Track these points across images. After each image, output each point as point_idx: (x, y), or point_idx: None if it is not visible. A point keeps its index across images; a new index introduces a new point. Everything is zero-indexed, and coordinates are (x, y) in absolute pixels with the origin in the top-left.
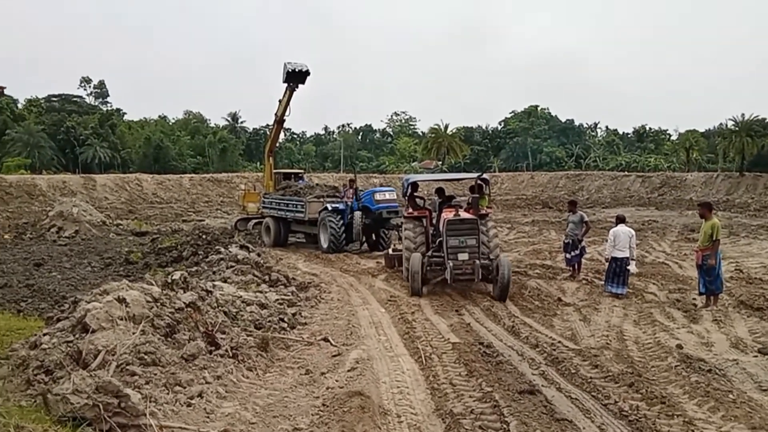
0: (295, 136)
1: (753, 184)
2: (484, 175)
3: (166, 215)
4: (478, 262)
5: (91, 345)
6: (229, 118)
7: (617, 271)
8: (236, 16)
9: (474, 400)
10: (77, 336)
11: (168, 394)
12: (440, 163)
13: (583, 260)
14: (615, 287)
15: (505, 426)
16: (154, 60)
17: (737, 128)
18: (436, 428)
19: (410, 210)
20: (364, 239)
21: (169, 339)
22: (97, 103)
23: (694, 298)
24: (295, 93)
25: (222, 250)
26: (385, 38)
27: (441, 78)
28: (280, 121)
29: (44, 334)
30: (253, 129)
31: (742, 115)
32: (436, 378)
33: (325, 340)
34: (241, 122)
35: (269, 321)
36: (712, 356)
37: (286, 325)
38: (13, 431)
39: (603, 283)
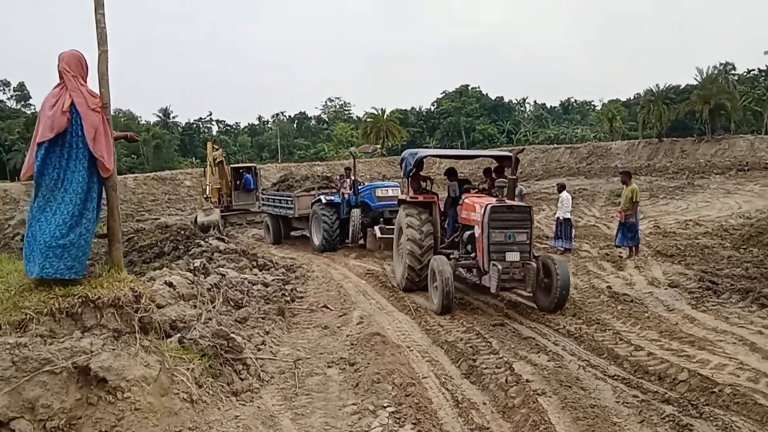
0: (229, 127)
1: (671, 148)
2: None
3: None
4: (534, 264)
5: (164, 316)
6: (160, 114)
7: (566, 229)
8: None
9: (461, 332)
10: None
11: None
12: (378, 147)
13: None
14: (565, 242)
15: (489, 344)
16: None
17: (654, 97)
18: (438, 352)
19: (412, 194)
20: (361, 236)
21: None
22: (19, 107)
23: (620, 253)
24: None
25: (202, 243)
26: (310, 20)
27: (370, 62)
28: None
29: None
30: (186, 123)
31: (657, 85)
32: (426, 323)
33: (325, 307)
34: (173, 117)
35: (275, 296)
36: (633, 292)
37: (288, 298)
38: (169, 363)
39: (551, 240)
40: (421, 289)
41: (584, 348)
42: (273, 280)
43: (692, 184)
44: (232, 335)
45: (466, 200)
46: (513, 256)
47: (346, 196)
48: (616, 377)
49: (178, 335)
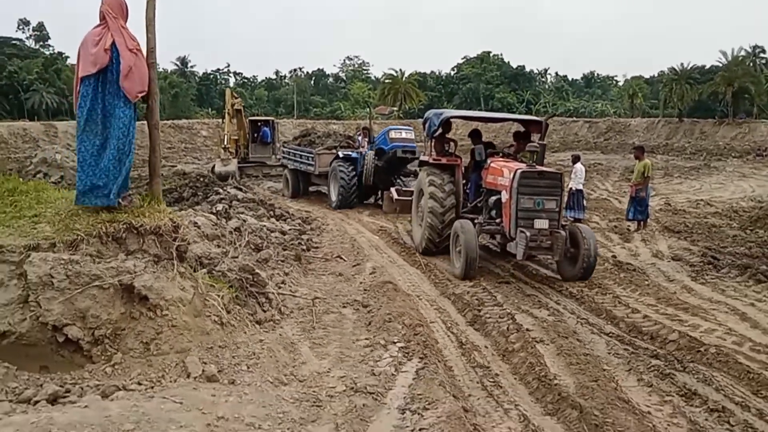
0: (246, 80)
1: (690, 129)
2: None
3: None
4: (562, 233)
5: (191, 252)
6: (178, 63)
7: (578, 199)
8: None
9: (468, 287)
10: None
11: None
12: (395, 109)
13: None
14: (577, 213)
15: (493, 298)
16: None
17: (677, 76)
18: (445, 302)
19: (435, 155)
20: (378, 194)
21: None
22: (38, 47)
23: (629, 226)
24: None
25: (220, 191)
26: None
27: (392, 23)
28: None
29: None
30: (204, 73)
31: (681, 64)
32: (435, 276)
33: (339, 257)
34: (191, 66)
35: (291, 243)
36: (637, 262)
37: (304, 247)
38: (201, 289)
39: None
40: (441, 252)
41: (584, 308)
42: (290, 229)
43: (708, 166)
44: (257, 271)
45: (492, 164)
46: (542, 224)
47: (363, 152)
48: (611, 334)
49: (207, 267)
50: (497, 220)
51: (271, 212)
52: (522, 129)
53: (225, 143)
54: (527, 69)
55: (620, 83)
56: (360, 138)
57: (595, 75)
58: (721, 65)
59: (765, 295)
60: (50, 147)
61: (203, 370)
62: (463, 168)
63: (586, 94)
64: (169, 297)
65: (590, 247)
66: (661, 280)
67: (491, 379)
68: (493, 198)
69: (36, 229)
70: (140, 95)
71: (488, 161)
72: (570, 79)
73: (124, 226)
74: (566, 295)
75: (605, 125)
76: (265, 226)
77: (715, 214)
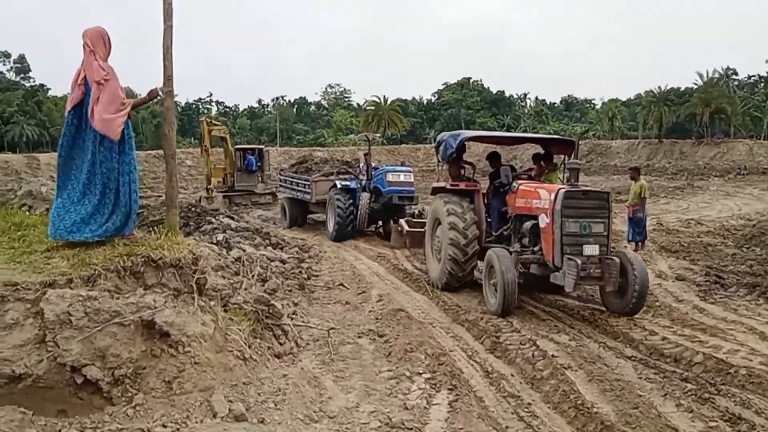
0: (228, 109)
1: (670, 150)
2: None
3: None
4: (616, 259)
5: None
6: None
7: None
8: None
9: (479, 312)
10: None
11: None
12: (378, 135)
13: None
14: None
15: (510, 323)
16: (75, 32)
17: (655, 98)
18: (459, 329)
19: (452, 181)
20: (380, 224)
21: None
22: (18, 79)
23: (626, 246)
24: None
25: (213, 220)
26: (311, 7)
27: (372, 51)
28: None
29: None
30: (186, 103)
31: (659, 86)
32: (444, 303)
33: (342, 285)
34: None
35: (292, 272)
36: None
37: (305, 276)
38: (221, 323)
39: None
40: (464, 287)
41: (599, 331)
42: (289, 258)
43: (692, 186)
44: (273, 302)
45: (522, 187)
46: (591, 249)
47: (362, 181)
48: (633, 358)
49: (223, 300)
50: (534, 248)
51: (267, 241)
52: (542, 151)
53: (209, 183)
54: (507, 94)
55: (597, 106)
56: (362, 165)
57: (573, 98)
58: (696, 87)
59: None
60: (35, 179)
61: (230, 409)
62: (483, 192)
63: (565, 117)
64: (190, 333)
65: (640, 276)
66: (670, 301)
67: (525, 409)
68: (528, 224)
69: (50, 264)
70: (113, 126)
71: (515, 184)
72: (549, 102)
73: (143, 259)
74: (579, 318)
75: (587, 147)
76: (264, 255)
77: (708, 233)
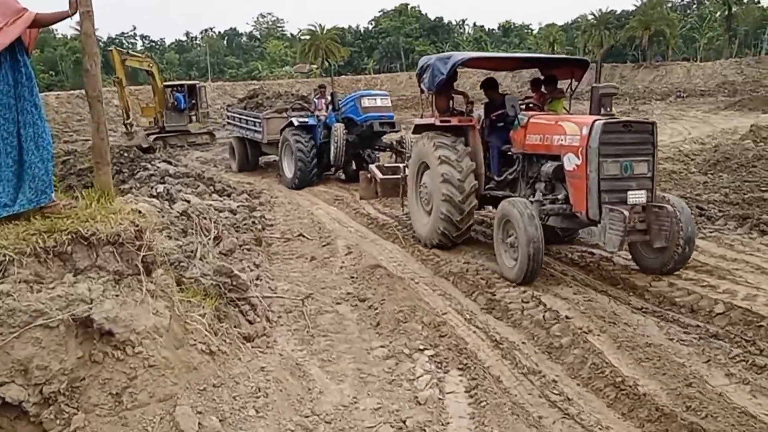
0: (154, 43)
1: (611, 74)
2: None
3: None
4: (669, 207)
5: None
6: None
7: None
8: None
9: (462, 263)
10: None
11: None
12: (315, 66)
13: None
14: None
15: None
16: None
17: (596, 22)
18: (445, 284)
19: (440, 115)
20: (345, 159)
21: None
22: None
23: None
24: None
25: (149, 166)
26: None
27: None
28: None
29: None
30: (108, 37)
31: (600, 9)
32: (420, 252)
33: (302, 235)
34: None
35: (244, 224)
36: None
37: (259, 226)
38: (179, 310)
39: None
40: (459, 245)
41: (594, 277)
42: (238, 206)
43: (636, 110)
44: (236, 272)
45: (535, 120)
46: (638, 197)
47: (322, 119)
48: (645, 310)
49: (176, 275)
50: (559, 197)
51: (212, 187)
52: (541, 76)
53: (127, 119)
54: (445, 20)
55: (535, 31)
56: (316, 100)
57: (511, 24)
58: (635, 8)
59: None
60: None
61: (200, 424)
62: (484, 127)
63: (504, 44)
64: (140, 328)
65: (687, 226)
66: None
67: (554, 389)
68: (548, 166)
69: None
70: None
71: (522, 117)
72: (487, 29)
73: (70, 236)
74: (568, 263)
75: (528, 74)
76: (211, 205)
77: (668, 159)
